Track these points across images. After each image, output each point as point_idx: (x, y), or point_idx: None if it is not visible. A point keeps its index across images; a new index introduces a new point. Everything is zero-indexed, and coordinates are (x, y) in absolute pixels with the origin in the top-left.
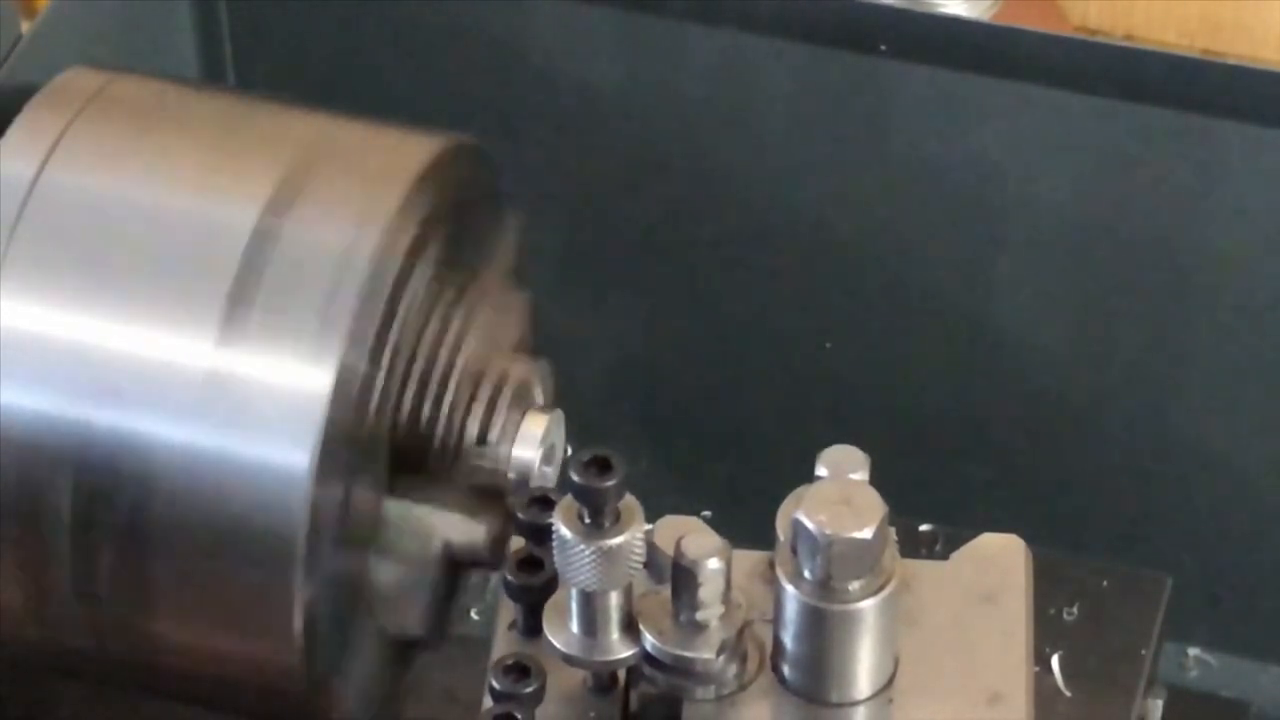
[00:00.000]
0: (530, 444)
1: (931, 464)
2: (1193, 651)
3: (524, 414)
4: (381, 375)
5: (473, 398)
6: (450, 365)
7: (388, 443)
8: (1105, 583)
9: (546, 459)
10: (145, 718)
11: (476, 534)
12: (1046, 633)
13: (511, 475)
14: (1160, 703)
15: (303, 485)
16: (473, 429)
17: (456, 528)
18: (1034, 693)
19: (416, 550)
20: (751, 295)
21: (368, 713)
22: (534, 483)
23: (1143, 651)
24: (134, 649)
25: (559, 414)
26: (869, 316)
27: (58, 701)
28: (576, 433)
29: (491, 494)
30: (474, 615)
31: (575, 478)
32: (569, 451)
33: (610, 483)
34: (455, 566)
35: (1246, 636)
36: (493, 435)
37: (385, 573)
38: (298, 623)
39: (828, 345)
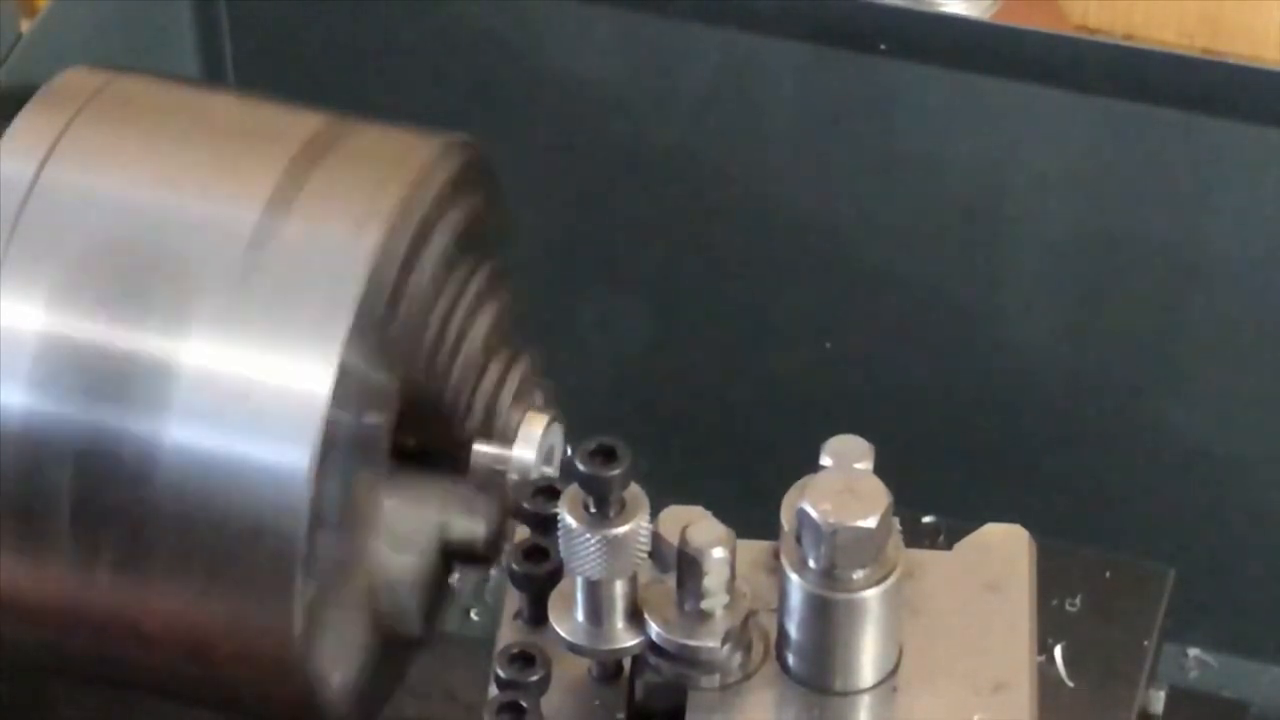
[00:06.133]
0: (530, 444)
1: (933, 463)
2: (1193, 652)
3: (524, 413)
4: (381, 374)
5: (472, 396)
6: (450, 364)
7: (387, 441)
8: (1108, 574)
9: (546, 459)
10: (145, 718)
11: (476, 532)
12: (1049, 624)
13: (511, 475)
14: (1163, 694)
15: (303, 485)
16: (472, 428)
17: (456, 526)
18: (1037, 683)
19: (416, 548)
20: (752, 293)
21: (367, 713)
22: None
23: (1145, 643)
24: (134, 649)
25: (558, 413)
26: (870, 314)
27: (58, 701)
28: (577, 433)
29: (491, 493)
30: (473, 616)
31: (580, 466)
32: (568, 452)
33: (615, 472)
34: (454, 564)
35: (1246, 636)
36: (492, 434)
37: (385, 571)
38: (298, 623)
39: (828, 345)
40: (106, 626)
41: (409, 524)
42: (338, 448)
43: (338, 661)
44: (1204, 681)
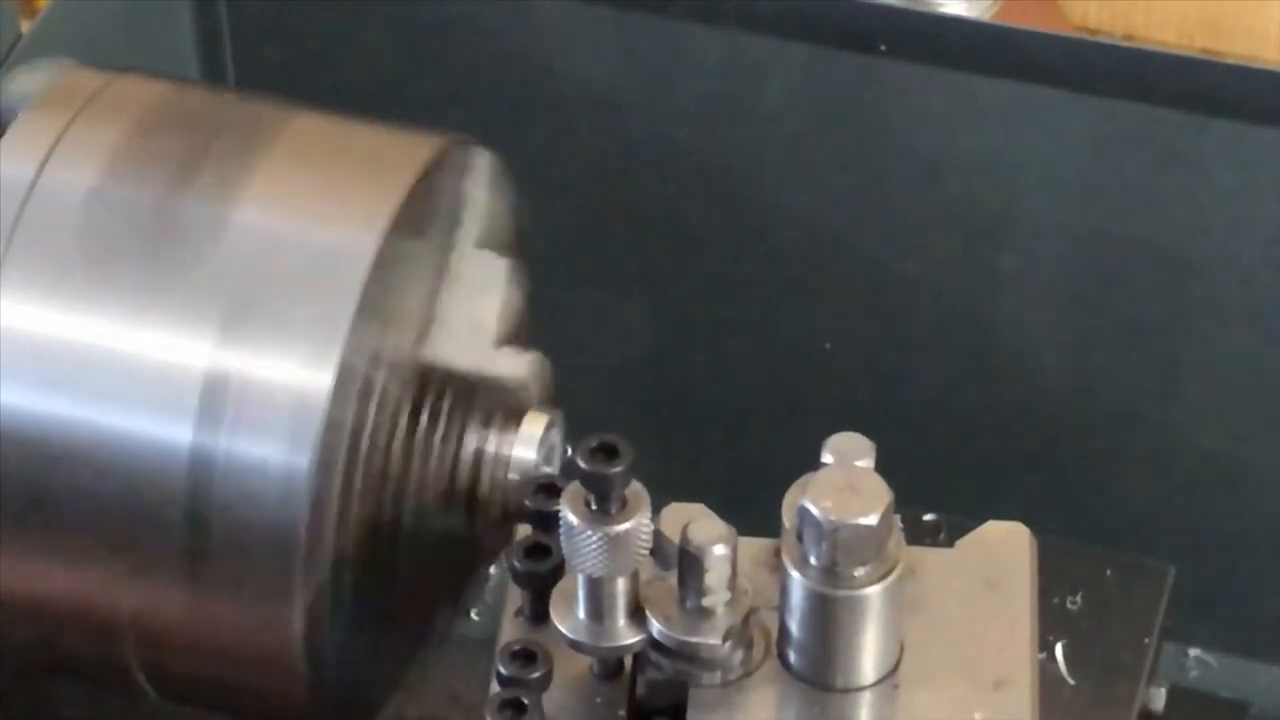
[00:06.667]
0: (530, 444)
1: (933, 462)
2: (1193, 651)
3: (524, 413)
4: (382, 374)
5: (473, 396)
6: (451, 363)
7: (388, 441)
8: (1109, 572)
9: (546, 459)
10: (145, 718)
11: (476, 531)
12: (1050, 621)
13: (512, 475)
14: (1163, 691)
15: (303, 485)
16: (473, 428)
17: (456, 525)
18: (1038, 680)
19: (416, 548)
20: (752, 294)
21: (368, 713)
22: None
23: (1146, 640)
24: (134, 649)
25: (558, 414)
26: (870, 314)
27: (58, 701)
28: (577, 432)
29: (491, 493)
30: (474, 616)
31: (582, 464)
32: (568, 452)
33: (617, 469)
34: (455, 564)
35: (1246, 636)
36: (492, 434)
37: (385, 571)
38: (298, 623)
39: (828, 345)
40: (107, 626)
41: (408, 524)
42: (338, 448)
43: (338, 661)
44: (1204, 681)
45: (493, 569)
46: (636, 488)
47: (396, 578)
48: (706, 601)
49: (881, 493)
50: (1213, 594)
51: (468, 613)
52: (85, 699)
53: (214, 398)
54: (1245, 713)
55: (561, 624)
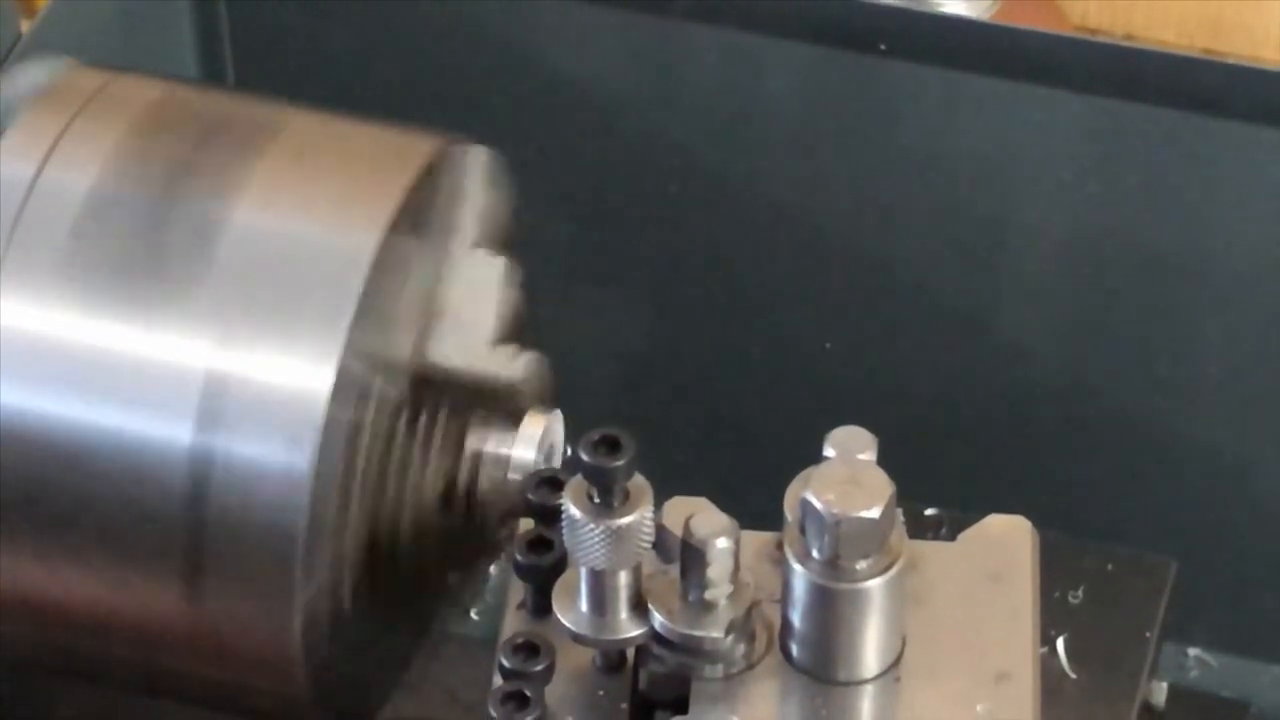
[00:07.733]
0: (530, 444)
1: (933, 459)
2: (1193, 651)
3: (523, 413)
4: (381, 373)
5: (473, 397)
6: (451, 364)
7: (387, 442)
8: (1110, 566)
9: (546, 459)
10: (145, 718)
11: (475, 531)
12: (1052, 615)
13: (512, 476)
14: (1165, 686)
15: (303, 485)
16: (472, 428)
17: (455, 525)
18: (1040, 673)
19: (416, 548)
20: (752, 293)
21: (367, 712)
22: None
23: (1147, 634)
24: (135, 649)
25: (558, 414)
26: (870, 314)
27: (58, 701)
28: (578, 431)
29: (491, 493)
30: (474, 616)
31: (585, 457)
32: (568, 452)
33: (620, 462)
34: (454, 565)
35: (1246, 636)
36: (492, 434)
37: (384, 571)
38: (298, 623)
39: (827, 345)
40: (107, 626)
41: (408, 524)
42: (338, 448)
43: (338, 660)
44: (1204, 681)
45: (493, 568)
46: (639, 481)
47: (396, 578)
48: (709, 594)
49: (884, 486)
50: (1214, 593)
51: (468, 612)
52: (85, 699)
53: (214, 398)
54: (1245, 712)
55: (564, 617)
